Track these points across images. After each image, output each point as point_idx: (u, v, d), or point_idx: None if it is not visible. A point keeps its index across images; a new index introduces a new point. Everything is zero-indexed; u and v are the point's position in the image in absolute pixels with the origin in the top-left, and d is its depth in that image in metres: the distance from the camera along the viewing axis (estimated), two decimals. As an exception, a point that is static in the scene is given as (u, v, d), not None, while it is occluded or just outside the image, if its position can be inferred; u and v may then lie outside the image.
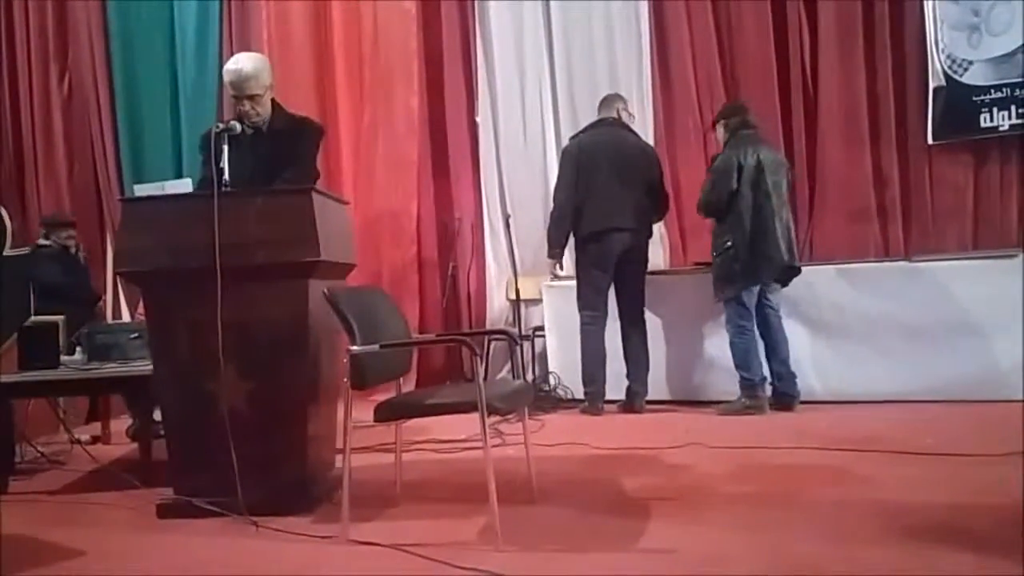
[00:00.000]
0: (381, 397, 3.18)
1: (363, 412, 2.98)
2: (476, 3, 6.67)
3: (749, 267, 4.84)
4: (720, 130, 5.11)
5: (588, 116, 6.27)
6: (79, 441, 4.60)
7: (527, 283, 6.07)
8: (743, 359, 4.90)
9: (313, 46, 6.89)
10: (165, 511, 3.23)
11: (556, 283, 5.73)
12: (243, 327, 3.16)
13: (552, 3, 6.53)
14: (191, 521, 3.13)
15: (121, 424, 5.01)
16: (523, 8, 6.59)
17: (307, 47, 6.88)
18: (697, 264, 5.52)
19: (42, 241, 5.98)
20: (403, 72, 6.75)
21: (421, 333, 6.38)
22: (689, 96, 6.21)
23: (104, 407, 5.09)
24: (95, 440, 4.94)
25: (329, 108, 6.84)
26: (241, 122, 3.55)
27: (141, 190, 3.44)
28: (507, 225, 6.23)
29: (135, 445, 4.43)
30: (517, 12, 6.60)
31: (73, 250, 6.01)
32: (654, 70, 6.26)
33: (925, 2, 5.68)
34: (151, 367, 3.43)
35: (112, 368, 4.04)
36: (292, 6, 6.90)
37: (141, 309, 4.25)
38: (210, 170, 3.31)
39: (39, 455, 4.40)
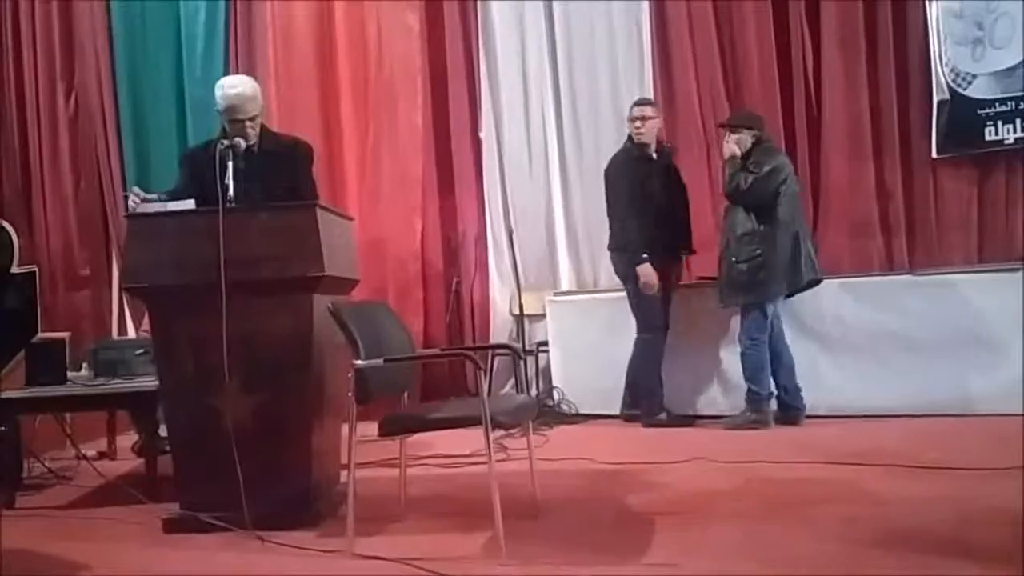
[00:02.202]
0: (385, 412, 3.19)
1: (367, 427, 2.99)
2: (479, 19, 6.70)
3: (773, 278, 4.79)
4: (747, 137, 4.96)
5: (591, 130, 6.36)
6: (86, 457, 4.61)
7: (531, 298, 6.08)
8: (754, 372, 4.87)
9: (317, 66, 6.92)
10: (171, 526, 3.24)
11: (560, 298, 5.72)
12: (248, 342, 3.18)
13: (555, 19, 6.55)
14: (197, 536, 3.14)
15: (127, 440, 5.03)
16: (526, 24, 6.62)
17: (311, 68, 6.91)
18: (701, 279, 5.50)
19: None
20: (407, 89, 6.78)
21: (425, 348, 6.37)
22: (692, 109, 6.21)
23: (110, 423, 5.11)
24: (101, 456, 4.95)
25: (333, 126, 6.87)
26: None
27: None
28: (511, 240, 6.25)
29: (141, 460, 4.44)
30: (520, 28, 6.64)
31: None
32: (657, 84, 6.27)
33: (928, 16, 5.70)
34: (157, 383, 3.44)
35: (118, 384, 4.06)
36: (295, 27, 6.93)
37: (146, 325, 4.27)
38: (193, 187, 3.40)
39: (46, 471, 4.40)
